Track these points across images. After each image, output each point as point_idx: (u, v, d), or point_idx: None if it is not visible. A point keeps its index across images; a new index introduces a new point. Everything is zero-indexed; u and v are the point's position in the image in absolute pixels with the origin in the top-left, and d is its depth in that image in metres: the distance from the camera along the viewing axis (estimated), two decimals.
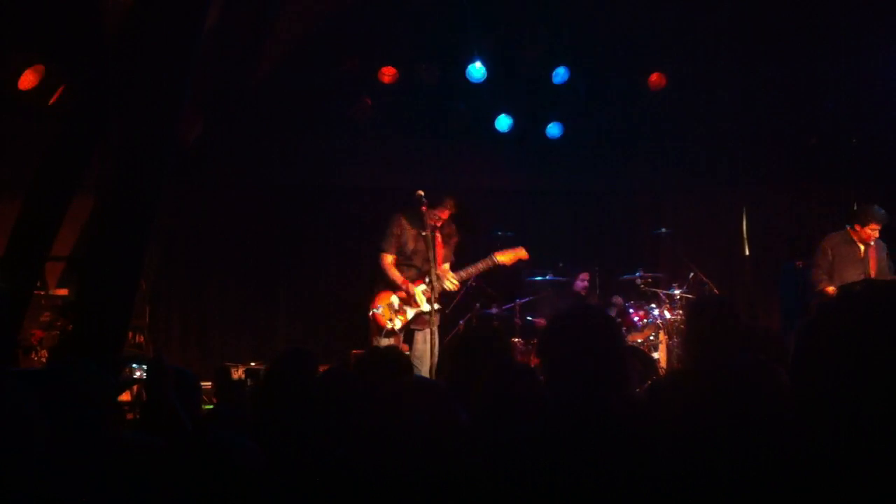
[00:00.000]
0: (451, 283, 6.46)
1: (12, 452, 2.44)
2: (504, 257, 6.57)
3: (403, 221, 6.51)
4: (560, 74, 8.29)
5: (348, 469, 2.19)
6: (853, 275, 6.78)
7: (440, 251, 6.47)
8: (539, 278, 8.09)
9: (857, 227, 6.88)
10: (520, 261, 6.67)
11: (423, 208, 6.23)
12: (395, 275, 6.50)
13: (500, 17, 7.87)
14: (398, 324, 6.49)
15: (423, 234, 6.28)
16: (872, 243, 6.87)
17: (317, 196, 9.14)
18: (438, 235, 6.52)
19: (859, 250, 6.88)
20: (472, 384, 2.68)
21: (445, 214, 6.48)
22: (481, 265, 6.58)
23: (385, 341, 6.40)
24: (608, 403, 2.20)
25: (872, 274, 6.76)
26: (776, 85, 8.44)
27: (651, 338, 7.69)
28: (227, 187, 8.79)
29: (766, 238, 9.60)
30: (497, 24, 7.96)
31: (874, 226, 6.81)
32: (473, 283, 7.42)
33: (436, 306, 6.21)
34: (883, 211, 6.87)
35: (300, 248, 9.10)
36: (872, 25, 7.65)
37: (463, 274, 6.57)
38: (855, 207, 7.22)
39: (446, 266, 6.58)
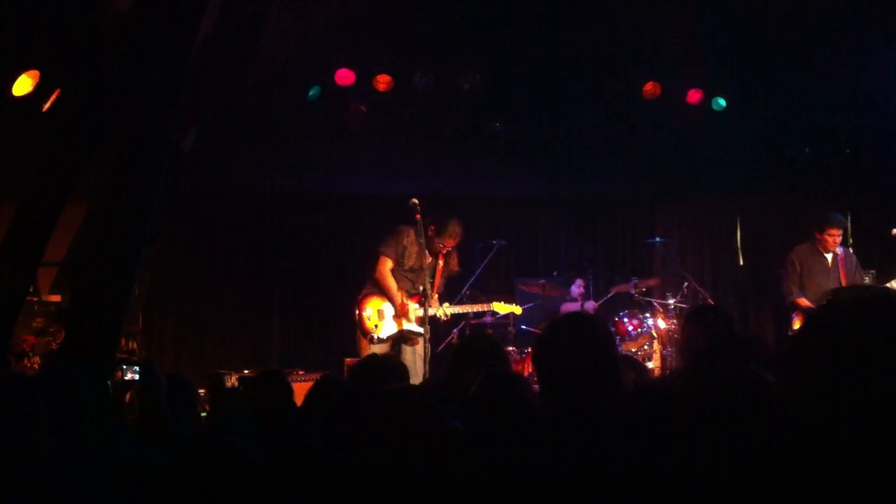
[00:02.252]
0: (443, 312, 6.44)
1: (14, 454, 2.43)
2: (499, 307, 6.87)
3: (412, 235, 6.44)
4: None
5: (341, 474, 2.18)
6: (823, 285, 6.79)
7: (437, 280, 6.47)
8: (533, 287, 8.09)
9: (818, 235, 6.91)
10: (512, 313, 7.05)
11: (418, 216, 6.20)
12: (391, 284, 6.46)
13: (494, 22, 7.87)
14: (384, 333, 6.42)
15: (428, 260, 6.28)
16: (839, 252, 6.89)
17: (311, 203, 9.12)
18: (440, 263, 6.52)
19: (826, 260, 6.90)
20: (466, 393, 2.68)
21: (451, 243, 6.47)
22: (477, 307, 6.80)
23: (377, 348, 6.37)
24: (602, 410, 2.20)
25: (844, 284, 6.77)
26: (770, 95, 8.48)
27: (645, 347, 7.68)
28: (222, 194, 8.78)
29: (760, 247, 9.62)
30: (492, 30, 7.97)
31: (832, 231, 6.82)
32: (467, 292, 7.42)
33: (427, 330, 6.14)
34: (840, 216, 6.92)
35: (294, 254, 9.08)
36: (867, 35, 7.68)
37: (458, 309, 6.63)
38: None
39: (435, 296, 6.57)
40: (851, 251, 7.02)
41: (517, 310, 6.95)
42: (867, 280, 7.06)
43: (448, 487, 1.84)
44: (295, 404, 3.43)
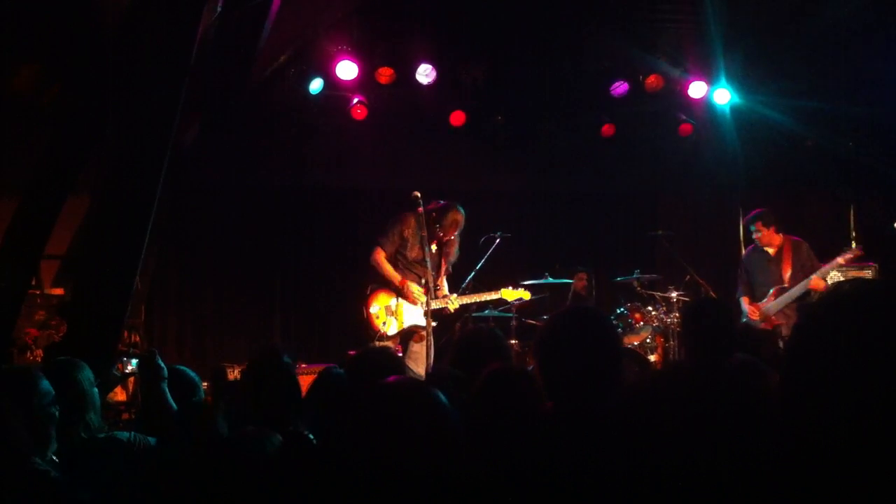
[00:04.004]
0: (452, 304, 6.36)
1: (18, 445, 2.44)
2: (508, 294, 6.71)
3: (413, 224, 6.32)
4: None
5: (340, 470, 2.18)
6: (761, 279, 6.86)
7: (443, 265, 6.45)
8: (535, 280, 8.08)
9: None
10: (520, 299, 6.85)
11: (420, 209, 6.18)
12: (390, 270, 6.34)
13: (495, 18, 7.86)
14: (392, 329, 6.37)
15: (430, 247, 6.23)
16: (782, 244, 6.88)
17: (312, 198, 9.13)
18: (443, 249, 6.50)
19: (768, 254, 6.91)
20: (469, 386, 2.68)
21: (452, 232, 6.42)
22: (485, 296, 6.63)
23: (380, 342, 6.34)
24: (604, 406, 2.20)
25: (786, 272, 6.77)
26: (773, 87, 8.46)
27: (647, 340, 7.69)
28: (224, 189, 8.79)
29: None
30: (493, 25, 7.95)
31: (755, 226, 6.86)
32: (470, 284, 7.39)
33: (433, 323, 6.10)
34: (753, 214, 6.92)
35: (296, 248, 9.09)
36: (870, 28, 7.66)
37: (465, 299, 6.53)
38: None
39: (444, 283, 6.53)
40: (803, 243, 6.97)
41: (526, 295, 6.81)
42: (868, 273, 7.05)
43: (450, 485, 1.83)
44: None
